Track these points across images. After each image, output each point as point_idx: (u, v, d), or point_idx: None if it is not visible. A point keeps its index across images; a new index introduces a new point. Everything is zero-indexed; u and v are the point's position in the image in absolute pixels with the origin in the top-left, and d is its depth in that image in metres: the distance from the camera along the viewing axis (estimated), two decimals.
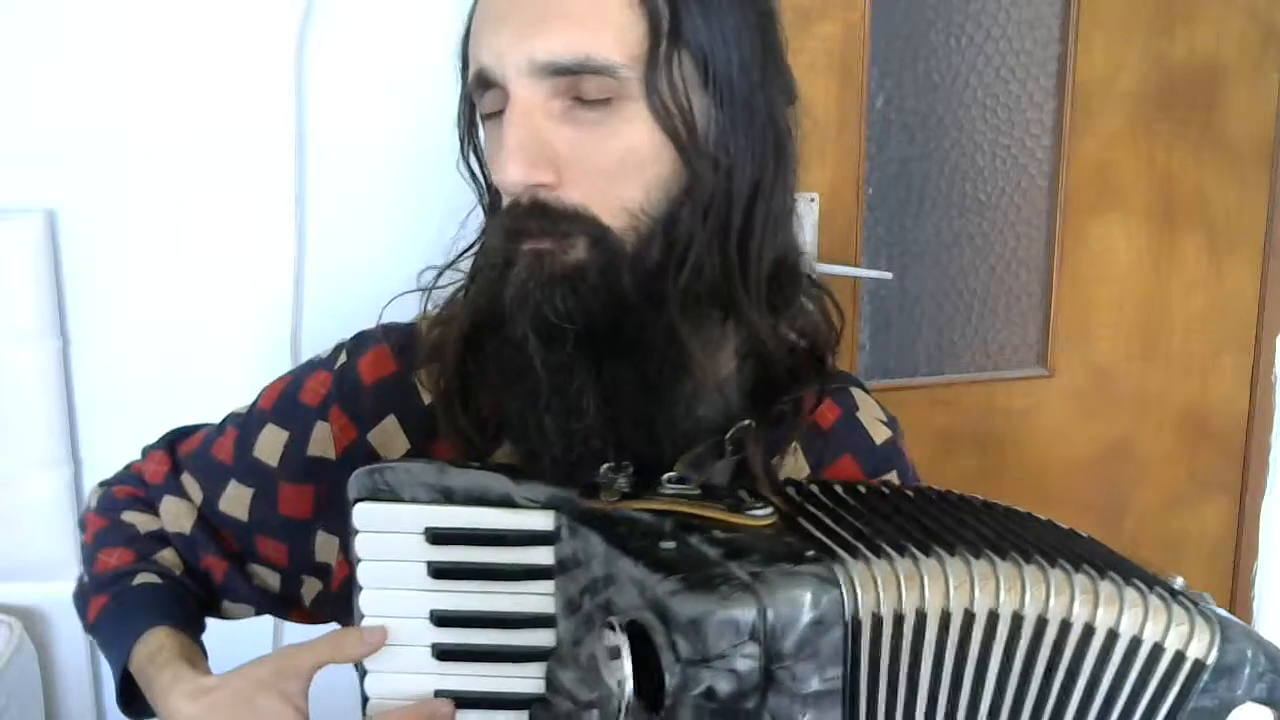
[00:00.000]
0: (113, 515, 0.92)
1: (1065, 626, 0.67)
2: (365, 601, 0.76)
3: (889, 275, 1.73)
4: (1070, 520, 0.77)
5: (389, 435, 0.85)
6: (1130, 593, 0.68)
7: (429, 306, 0.85)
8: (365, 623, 0.76)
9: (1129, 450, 1.95)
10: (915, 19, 1.71)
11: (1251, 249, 1.95)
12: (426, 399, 0.84)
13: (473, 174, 0.83)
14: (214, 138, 1.49)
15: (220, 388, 1.49)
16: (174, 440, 0.95)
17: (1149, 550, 1.97)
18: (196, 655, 0.83)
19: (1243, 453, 2.02)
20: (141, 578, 0.87)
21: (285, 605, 0.92)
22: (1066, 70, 1.78)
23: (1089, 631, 0.68)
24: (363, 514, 0.75)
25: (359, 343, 0.88)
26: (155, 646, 0.82)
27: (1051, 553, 0.69)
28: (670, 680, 0.62)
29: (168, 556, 0.90)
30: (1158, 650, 0.68)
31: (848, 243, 1.71)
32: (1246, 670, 0.69)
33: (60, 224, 1.49)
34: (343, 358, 0.88)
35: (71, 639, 1.55)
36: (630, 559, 0.65)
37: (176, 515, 0.90)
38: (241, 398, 0.95)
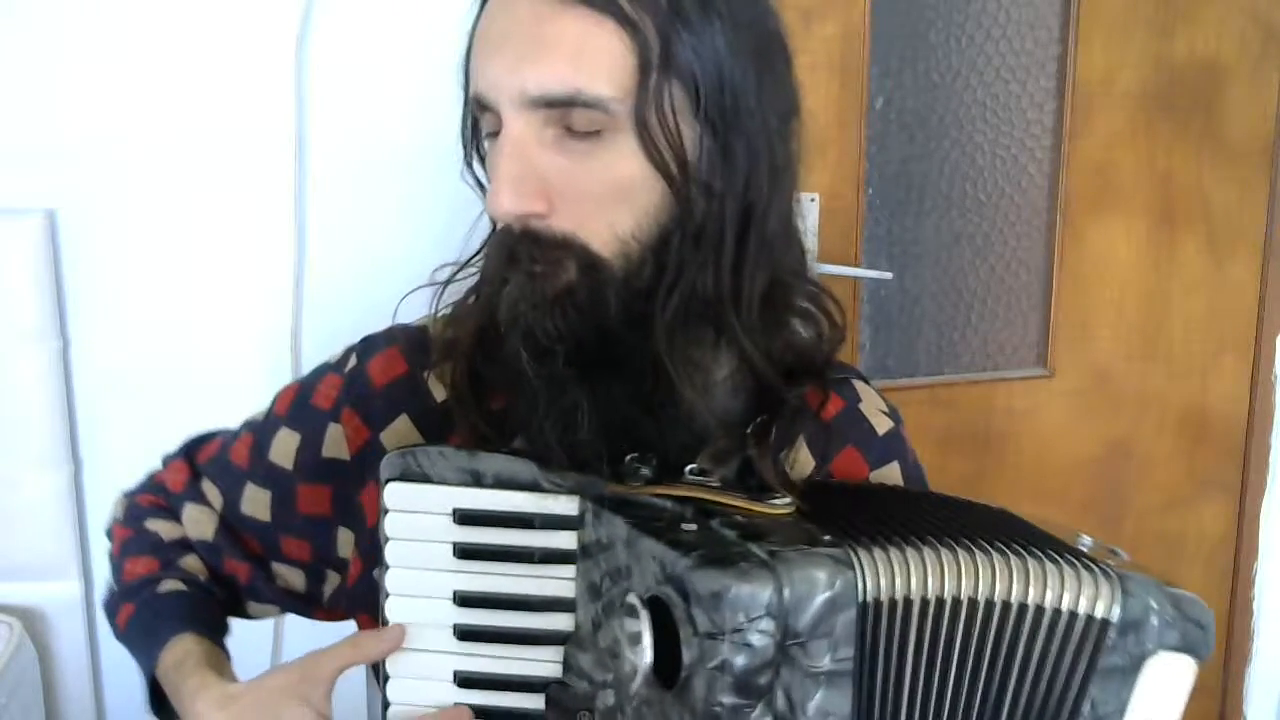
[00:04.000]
0: (137, 525, 0.94)
1: (991, 607, 0.69)
2: (392, 580, 0.77)
3: (889, 275, 1.72)
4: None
5: (402, 435, 0.86)
6: (1050, 567, 0.70)
7: (440, 303, 0.86)
8: (390, 600, 0.77)
9: (1129, 450, 1.95)
10: (915, 19, 1.71)
11: (1251, 249, 1.95)
12: (439, 397, 0.85)
13: (477, 180, 0.83)
14: (214, 138, 1.49)
15: (220, 387, 1.50)
16: (191, 448, 0.96)
17: (1149, 550, 1.97)
18: (221, 661, 0.84)
19: (1243, 453, 2.02)
20: (167, 585, 0.89)
21: (309, 603, 0.93)
22: (1066, 70, 1.78)
23: (1023, 610, 0.70)
24: (394, 493, 0.76)
25: (368, 346, 0.89)
26: (181, 654, 0.83)
27: (989, 537, 0.72)
28: (688, 653, 0.64)
29: (191, 563, 0.92)
30: (1072, 617, 0.70)
31: (848, 243, 1.71)
32: (1153, 621, 0.70)
33: (60, 224, 1.49)
34: (352, 361, 0.88)
35: (71, 639, 1.55)
36: (652, 538, 0.68)
37: (199, 522, 0.92)
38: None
